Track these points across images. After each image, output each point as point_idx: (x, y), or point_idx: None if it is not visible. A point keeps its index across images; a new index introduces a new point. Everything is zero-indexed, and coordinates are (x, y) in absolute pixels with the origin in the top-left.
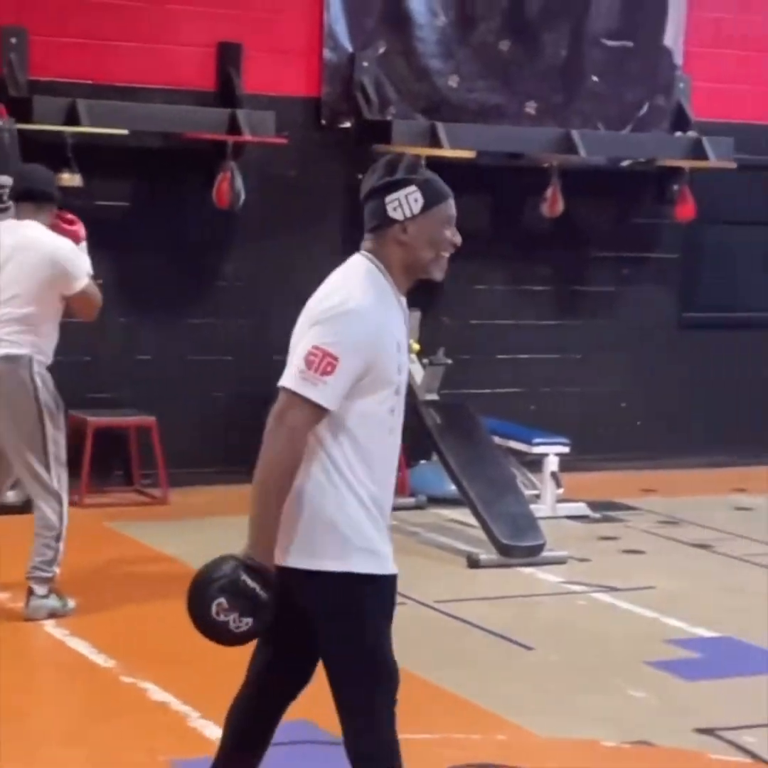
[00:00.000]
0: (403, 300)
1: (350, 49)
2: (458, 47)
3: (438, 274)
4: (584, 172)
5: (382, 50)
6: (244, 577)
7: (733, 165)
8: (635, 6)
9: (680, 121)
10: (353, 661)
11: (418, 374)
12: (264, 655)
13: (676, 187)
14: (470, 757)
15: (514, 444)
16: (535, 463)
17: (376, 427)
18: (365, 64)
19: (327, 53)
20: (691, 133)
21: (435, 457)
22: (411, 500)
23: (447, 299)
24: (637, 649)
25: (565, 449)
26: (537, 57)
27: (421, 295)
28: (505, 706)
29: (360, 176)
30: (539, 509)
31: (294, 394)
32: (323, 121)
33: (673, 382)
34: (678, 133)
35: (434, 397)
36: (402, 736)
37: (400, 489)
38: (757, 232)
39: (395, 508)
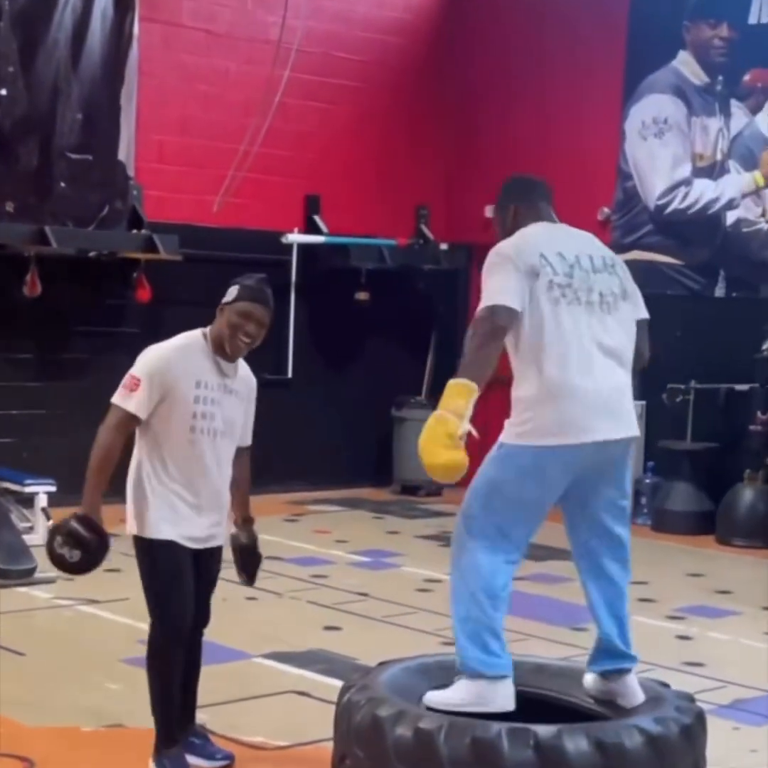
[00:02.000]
0: (230, 365)
1: None
2: None
3: (229, 350)
4: (59, 260)
5: None
6: (73, 523)
7: (180, 257)
8: (93, 126)
9: (135, 221)
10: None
11: None
12: None
13: (134, 274)
14: None
15: (9, 485)
16: (27, 501)
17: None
18: None
19: None
20: (145, 231)
21: None
22: None
23: None
24: (114, 649)
25: (53, 488)
26: (13, 165)
27: None
28: (1, 704)
29: None
30: (32, 538)
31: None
32: None
33: None
34: (134, 231)
35: None
36: None
37: None
38: (201, 311)
39: None
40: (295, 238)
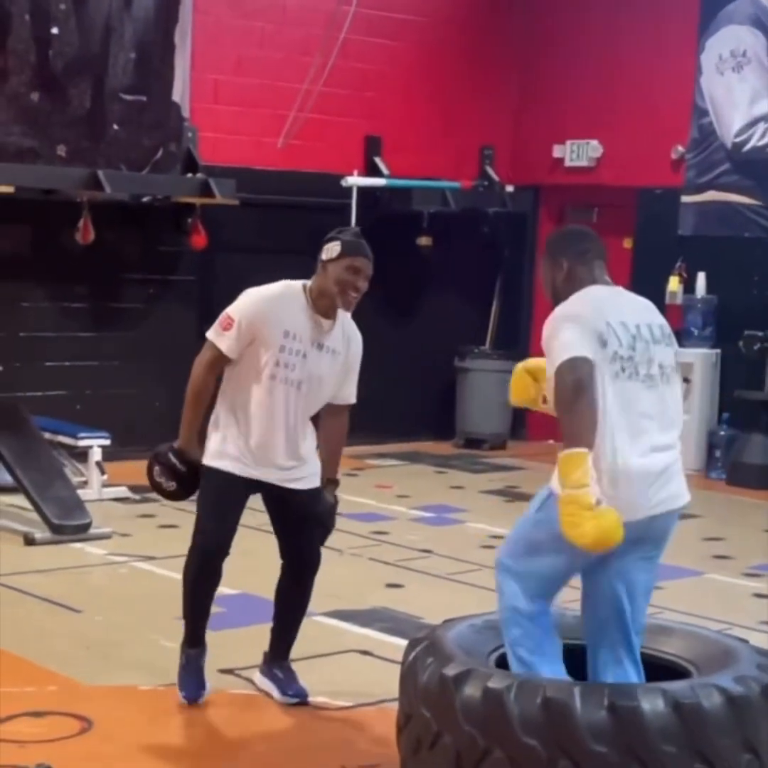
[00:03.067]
0: (329, 321)
1: None
2: None
3: (341, 306)
4: (112, 205)
5: None
6: (170, 455)
7: (236, 202)
8: (147, 66)
9: (190, 164)
10: None
11: None
12: None
13: (189, 220)
14: (24, 707)
15: (62, 438)
16: (81, 455)
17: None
18: None
19: None
20: (200, 175)
21: None
22: None
23: None
24: (171, 607)
25: (107, 442)
26: (65, 107)
27: None
28: (57, 662)
29: None
30: (87, 493)
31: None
32: None
33: None
34: (189, 175)
35: None
36: None
37: None
38: (258, 258)
39: None
40: (355, 181)
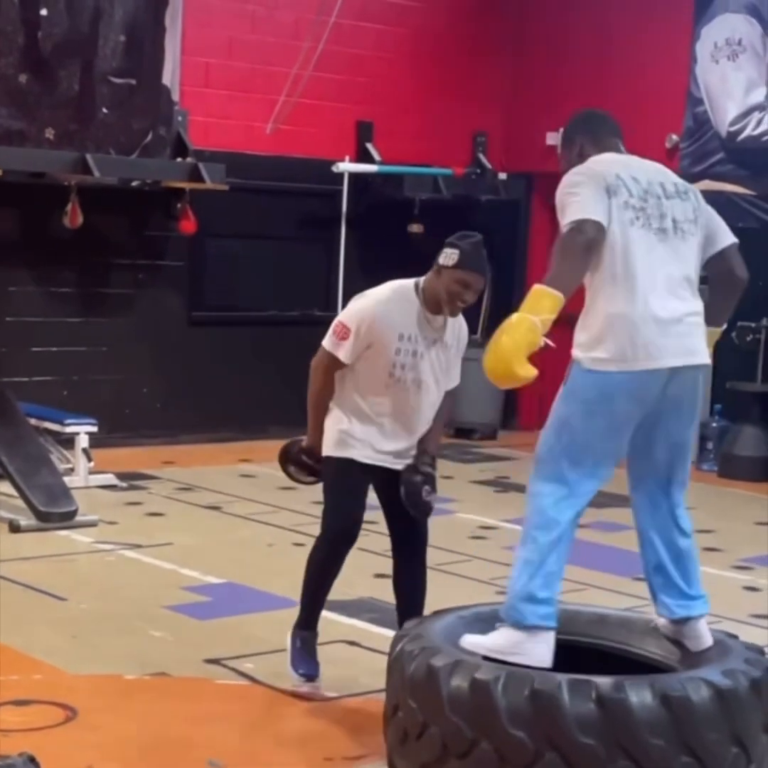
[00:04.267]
0: (439, 317)
1: None
2: None
3: (447, 313)
4: (100, 190)
5: None
6: (303, 456)
7: (226, 187)
8: (136, 49)
9: (180, 148)
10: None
11: None
12: None
13: (179, 205)
14: (7, 695)
15: (49, 425)
16: (68, 441)
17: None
18: None
19: None
20: (190, 160)
21: None
22: None
23: None
24: (157, 596)
25: (94, 428)
26: (53, 89)
27: None
28: (41, 650)
29: None
30: (73, 480)
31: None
32: None
33: (187, 370)
34: (178, 159)
35: None
36: None
37: None
38: (247, 244)
39: None
40: (347, 166)
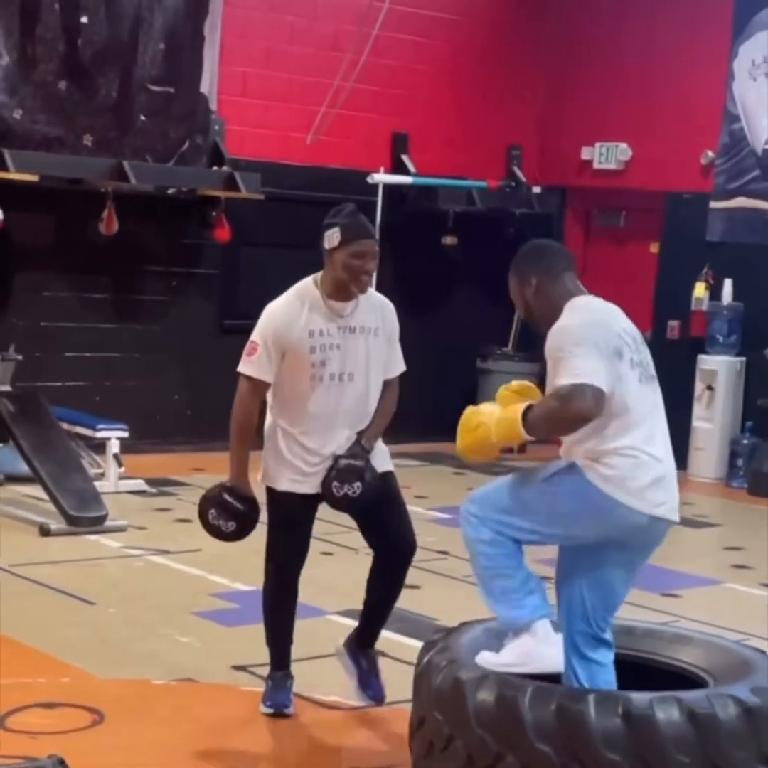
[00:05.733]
0: (347, 303)
1: None
2: (21, 84)
3: (356, 291)
4: (136, 197)
5: None
6: (224, 495)
7: (261, 196)
8: (175, 57)
9: (216, 157)
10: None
11: None
12: None
13: (214, 213)
14: (36, 698)
15: (80, 429)
16: (99, 446)
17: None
18: None
19: None
20: (226, 168)
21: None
22: None
23: (17, 303)
24: (185, 602)
25: (125, 434)
26: (92, 97)
27: None
28: (69, 653)
29: None
30: (103, 485)
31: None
32: None
33: (218, 378)
34: (215, 168)
35: (7, 388)
36: None
37: None
38: (281, 253)
39: None
40: (382, 178)
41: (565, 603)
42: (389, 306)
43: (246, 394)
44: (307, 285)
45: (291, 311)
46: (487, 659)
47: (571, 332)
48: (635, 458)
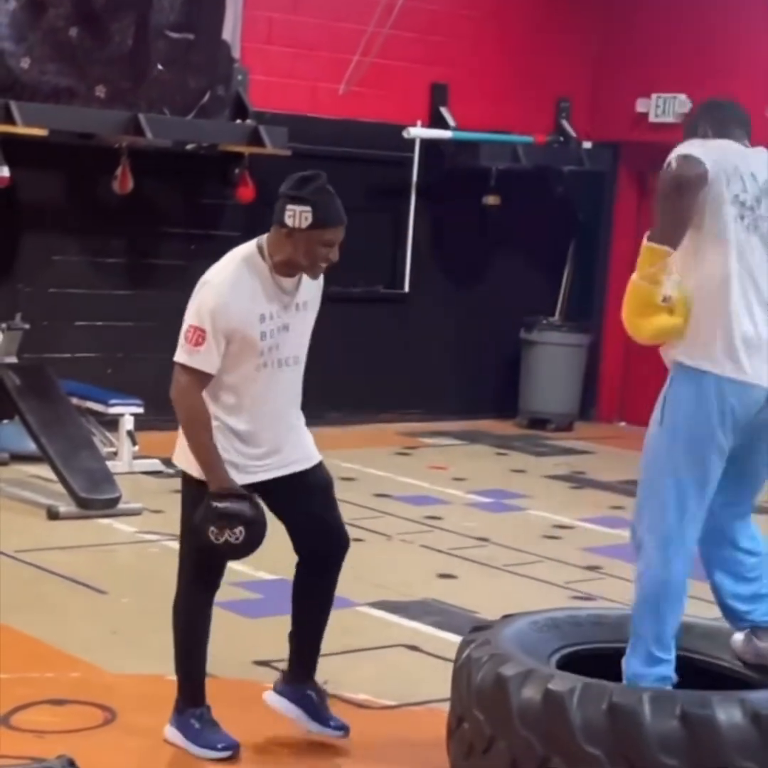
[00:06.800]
0: (293, 278)
1: None
2: (29, 31)
3: (311, 276)
4: (152, 153)
5: None
6: (214, 503)
7: (288, 152)
8: (195, 2)
9: (239, 110)
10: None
11: None
12: None
13: (237, 170)
14: (44, 694)
15: (91, 404)
16: (112, 423)
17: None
18: None
19: None
20: (250, 122)
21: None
22: None
23: (24, 268)
24: None
25: (140, 410)
26: (105, 44)
27: None
28: (80, 646)
29: None
30: (116, 465)
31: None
32: None
33: None
34: (237, 121)
35: (13, 360)
36: None
37: None
38: None
39: None
40: (418, 132)
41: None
42: (321, 280)
43: (189, 389)
44: (252, 254)
45: (241, 292)
46: None
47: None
48: (730, 333)
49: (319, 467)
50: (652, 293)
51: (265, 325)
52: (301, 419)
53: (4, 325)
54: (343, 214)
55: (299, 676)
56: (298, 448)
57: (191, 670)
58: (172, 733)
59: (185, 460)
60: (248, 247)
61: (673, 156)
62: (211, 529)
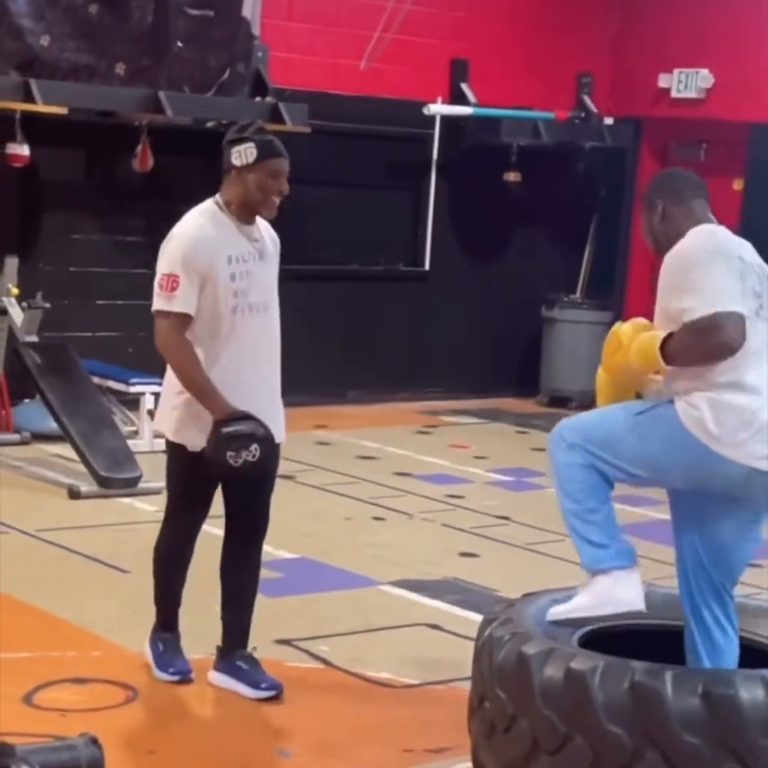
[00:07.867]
0: (254, 227)
1: None
2: (49, 8)
3: (266, 214)
4: (173, 130)
5: None
6: (223, 429)
7: (308, 129)
8: None
9: (259, 86)
10: None
11: (18, 317)
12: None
13: None
14: (66, 673)
15: (112, 383)
16: (133, 402)
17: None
18: None
19: None
20: (270, 99)
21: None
22: (15, 436)
23: (45, 246)
24: None
25: (161, 388)
26: (125, 21)
27: (18, 242)
28: (101, 625)
29: None
30: (137, 444)
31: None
32: None
33: None
34: (257, 98)
35: (34, 338)
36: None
37: (6, 426)
38: (329, 191)
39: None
40: (439, 108)
41: (682, 559)
42: (277, 237)
43: (173, 332)
44: (211, 209)
45: (206, 235)
46: (558, 611)
47: (695, 252)
48: (736, 402)
49: (277, 448)
50: (633, 374)
51: (233, 267)
52: (280, 397)
53: (25, 304)
54: (284, 148)
55: (229, 648)
56: (273, 423)
57: (167, 599)
58: (146, 649)
59: (159, 420)
60: (205, 204)
61: (718, 309)
62: (228, 454)
